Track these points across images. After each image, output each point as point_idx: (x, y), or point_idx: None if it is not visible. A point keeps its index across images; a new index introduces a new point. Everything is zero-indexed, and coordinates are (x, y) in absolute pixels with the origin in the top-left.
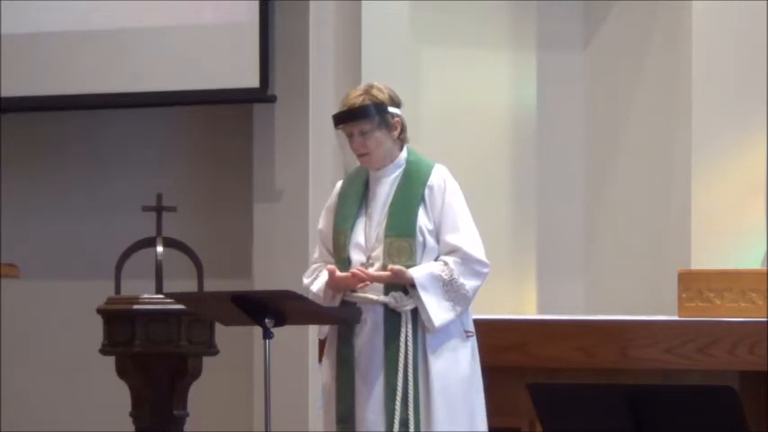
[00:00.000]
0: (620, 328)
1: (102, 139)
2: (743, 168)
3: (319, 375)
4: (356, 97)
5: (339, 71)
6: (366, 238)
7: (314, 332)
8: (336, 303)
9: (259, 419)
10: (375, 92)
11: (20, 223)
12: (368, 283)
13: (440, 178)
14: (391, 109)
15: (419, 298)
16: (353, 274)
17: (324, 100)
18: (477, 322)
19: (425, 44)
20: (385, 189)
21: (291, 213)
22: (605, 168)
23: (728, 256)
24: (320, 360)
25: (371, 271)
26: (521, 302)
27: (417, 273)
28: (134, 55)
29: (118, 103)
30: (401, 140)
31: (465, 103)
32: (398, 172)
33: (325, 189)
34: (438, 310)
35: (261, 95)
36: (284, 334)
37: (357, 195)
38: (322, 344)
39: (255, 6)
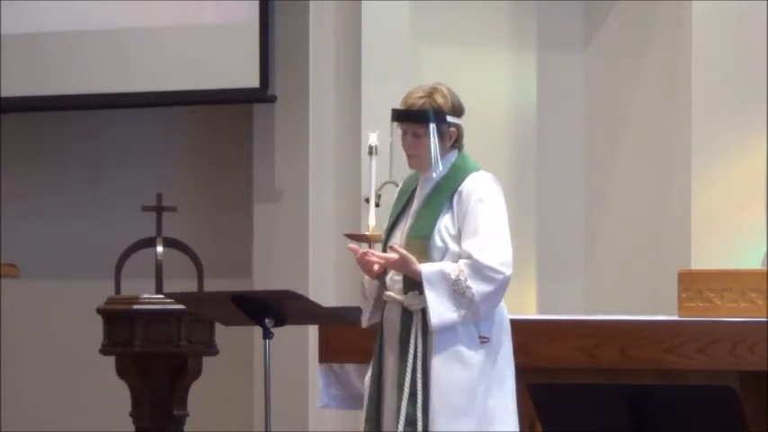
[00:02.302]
0: (620, 328)
1: (102, 139)
2: (743, 168)
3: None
4: (418, 98)
5: (339, 71)
6: (401, 238)
7: (314, 332)
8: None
9: (259, 419)
10: (438, 96)
11: (20, 223)
12: (380, 262)
13: (471, 184)
14: (450, 118)
15: (424, 293)
16: (361, 253)
17: (324, 100)
18: None
19: (425, 44)
20: (425, 192)
21: (291, 213)
22: (605, 168)
23: (728, 256)
24: (320, 360)
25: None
26: (521, 302)
27: (427, 268)
28: (134, 55)
29: (118, 103)
30: (456, 148)
31: (465, 103)
32: (442, 176)
33: (326, 189)
34: (439, 309)
35: (261, 95)
36: (284, 334)
37: (405, 196)
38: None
39: (255, 6)
